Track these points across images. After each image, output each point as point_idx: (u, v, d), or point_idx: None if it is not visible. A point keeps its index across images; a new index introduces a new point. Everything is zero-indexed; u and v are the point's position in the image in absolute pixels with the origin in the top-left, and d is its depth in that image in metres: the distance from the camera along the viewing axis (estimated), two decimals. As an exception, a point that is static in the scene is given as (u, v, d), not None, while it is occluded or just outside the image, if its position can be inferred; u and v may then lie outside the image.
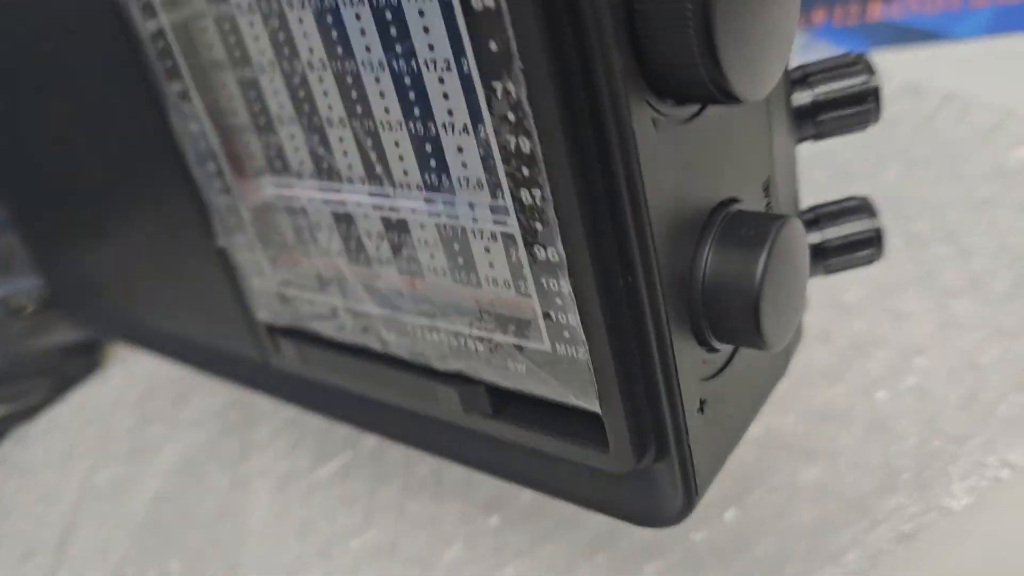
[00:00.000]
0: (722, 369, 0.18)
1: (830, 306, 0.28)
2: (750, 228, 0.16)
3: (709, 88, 0.13)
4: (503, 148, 0.15)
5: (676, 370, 0.16)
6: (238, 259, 0.23)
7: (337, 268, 0.20)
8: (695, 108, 0.15)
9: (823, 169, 0.32)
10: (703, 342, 0.17)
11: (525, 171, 0.15)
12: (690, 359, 0.17)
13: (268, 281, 0.22)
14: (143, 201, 0.24)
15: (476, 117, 0.15)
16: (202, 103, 0.20)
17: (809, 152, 0.21)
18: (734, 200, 0.17)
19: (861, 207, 0.20)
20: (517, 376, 0.18)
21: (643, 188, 0.14)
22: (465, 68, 0.15)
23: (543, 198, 0.15)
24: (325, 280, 0.21)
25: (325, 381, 0.23)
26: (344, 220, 0.20)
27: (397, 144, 0.17)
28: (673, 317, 0.16)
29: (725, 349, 0.18)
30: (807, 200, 0.21)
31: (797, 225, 0.16)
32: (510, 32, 0.13)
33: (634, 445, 0.17)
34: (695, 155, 0.16)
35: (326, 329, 0.22)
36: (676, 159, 0.15)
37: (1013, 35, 0.36)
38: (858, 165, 0.33)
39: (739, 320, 0.16)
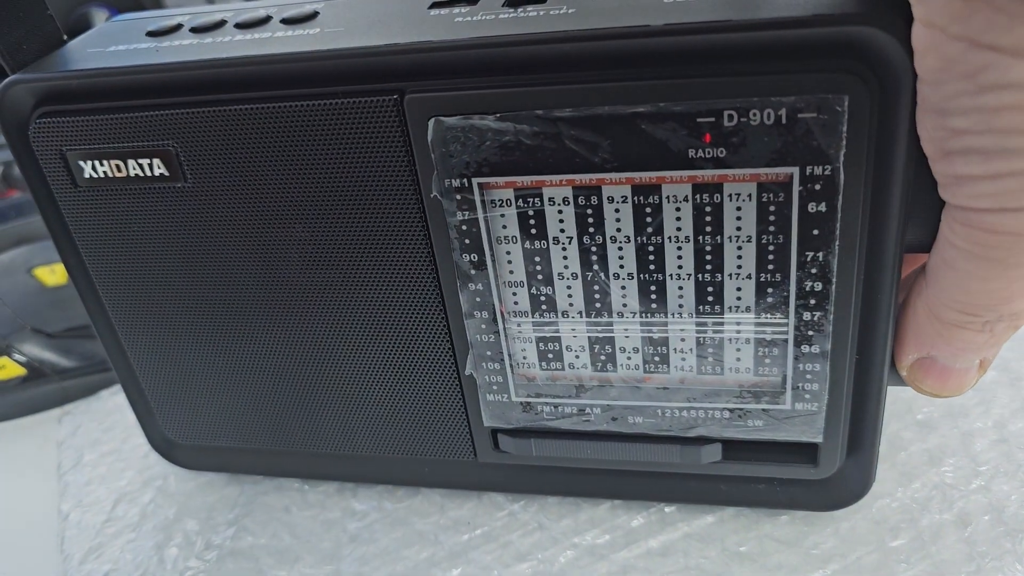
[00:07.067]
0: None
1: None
2: None
3: None
4: (800, 289, 0.24)
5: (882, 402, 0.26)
6: (480, 381, 0.29)
7: (600, 378, 0.28)
8: None
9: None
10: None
11: (812, 301, 0.24)
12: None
13: (511, 396, 0.29)
14: (397, 346, 0.29)
15: (777, 272, 0.24)
16: (493, 270, 0.26)
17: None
18: None
19: None
20: (753, 430, 0.27)
21: (893, 300, 0.24)
22: (766, 241, 0.24)
23: (824, 317, 0.25)
24: (585, 387, 0.28)
25: (551, 464, 0.30)
26: (600, 342, 0.27)
27: (680, 288, 0.26)
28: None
29: None
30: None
31: None
32: (837, 227, 0.23)
33: (839, 457, 0.27)
34: None
35: (566, 425, 0.29)
36: None
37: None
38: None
39: None
